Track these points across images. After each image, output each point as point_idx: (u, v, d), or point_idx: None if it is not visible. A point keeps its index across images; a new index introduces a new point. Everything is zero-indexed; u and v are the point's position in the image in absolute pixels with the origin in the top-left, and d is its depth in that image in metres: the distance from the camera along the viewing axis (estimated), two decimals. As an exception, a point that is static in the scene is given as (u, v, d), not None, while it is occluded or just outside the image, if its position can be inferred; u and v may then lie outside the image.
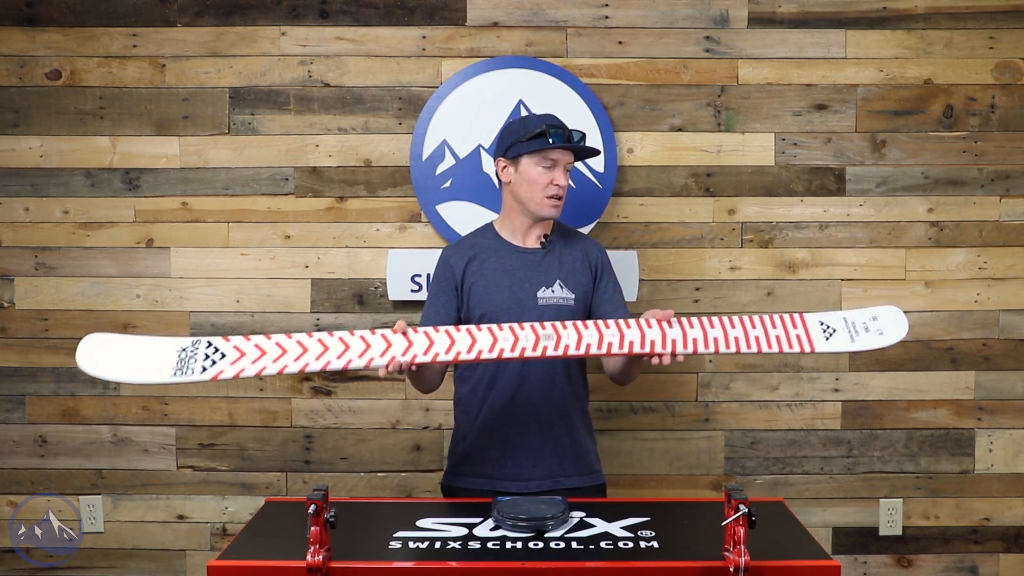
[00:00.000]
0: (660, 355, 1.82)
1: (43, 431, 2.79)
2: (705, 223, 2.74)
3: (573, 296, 2.12)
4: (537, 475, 2.10)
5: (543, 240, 2.16)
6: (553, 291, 2.11)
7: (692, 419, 2.78)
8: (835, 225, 2.75)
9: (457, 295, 2.14)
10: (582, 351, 1.81)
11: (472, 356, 1.80)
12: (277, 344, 1.76)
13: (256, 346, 1.75)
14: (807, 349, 1.84)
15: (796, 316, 1.87)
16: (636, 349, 1.81)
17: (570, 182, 2.20)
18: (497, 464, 2.12)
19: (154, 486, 2.79)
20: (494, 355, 1.80)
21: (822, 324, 1.86)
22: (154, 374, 1.70)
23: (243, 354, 1.73)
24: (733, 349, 1.82)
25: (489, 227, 2.22)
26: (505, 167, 2.13)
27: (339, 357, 1.75)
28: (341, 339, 1.77)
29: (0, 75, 2.72)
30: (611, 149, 2.68)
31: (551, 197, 2.08)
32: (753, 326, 1.85)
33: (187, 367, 1.70)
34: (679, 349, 1.81)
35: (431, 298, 2.16)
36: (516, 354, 1.80)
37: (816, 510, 2.78)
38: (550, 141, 2.05)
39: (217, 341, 1.74)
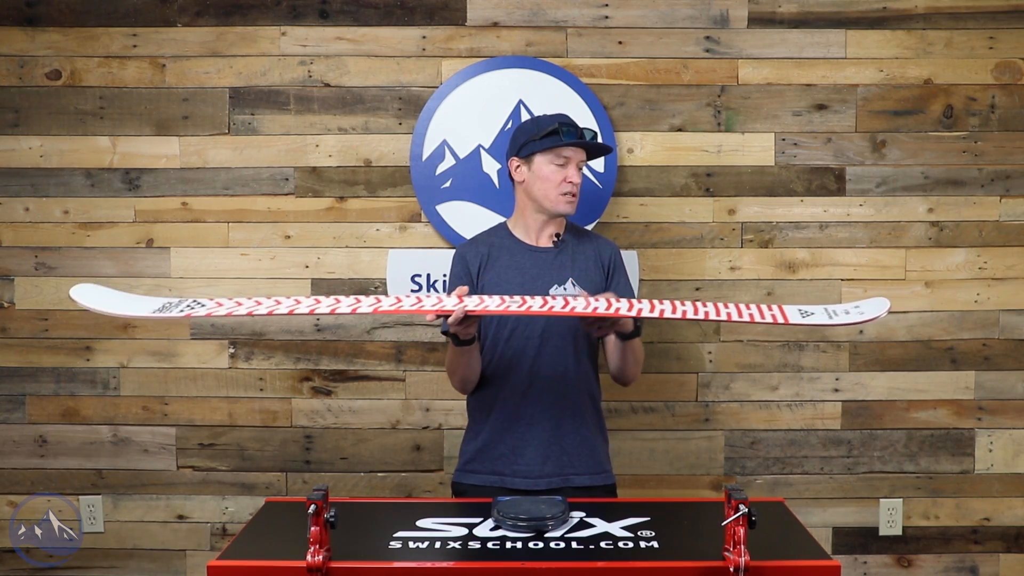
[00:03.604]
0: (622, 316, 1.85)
1: (43, 431, 2.79)
2: (705, 223, 2.74)
3: (585, 294, 2.13)
4: (547, 472, 2.11)
5: (555, 239, 2.19)
6: (565, 289, 2.14)
7: (692, 419, 2.78)
8: (835, 225, 2.75)
9: (475, 289, 2.16)
10: (566, 311, 1.84)
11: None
12: (256, 301, 1.82)
13: (236, 303, 1.82)
14: (780, 321, 1.79)
15: (775, 305, 1.84)
16: (601, 311, 1.83)
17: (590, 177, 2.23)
18: (508, 461, 2.13)
19: (154, 486, 2.79)
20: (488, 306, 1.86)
21: (800, 311, 1.83)
22: (136, 310, 1.81)
23: (220, 305, 1.82)
24: (701, 316, 1.81)
25: (502, 226, 2.25)
26: (518, 167, 2.17)
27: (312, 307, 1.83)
28: (316, 300, 1.84)
29: (0, 75, 2.72)
30: (611, 149, 2.69)
31: (565, 194, 2.12)
32: (726, 306, 1.84)
33: (167, 309, 1.80)
34: (645, 313, 1.82)
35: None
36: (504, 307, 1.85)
37: (816, 510, 2.78)
38: (562, 138, 2.09)
39: (201, 299, 1.84)
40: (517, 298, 1.87)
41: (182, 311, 1.77)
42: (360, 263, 2.74)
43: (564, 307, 1.84)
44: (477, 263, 2.17)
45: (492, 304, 1.85)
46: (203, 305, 1.80)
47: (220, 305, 1.80)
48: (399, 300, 1.83)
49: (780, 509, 1.90)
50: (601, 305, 1.84)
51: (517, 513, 1.74)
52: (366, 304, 1.81)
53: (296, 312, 1.78)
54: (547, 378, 2.12)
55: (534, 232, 2.19)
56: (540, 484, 2.09)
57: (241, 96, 2.72)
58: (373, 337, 2.76)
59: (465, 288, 1.87)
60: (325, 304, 1.81)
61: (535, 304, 1.84)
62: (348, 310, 1.80)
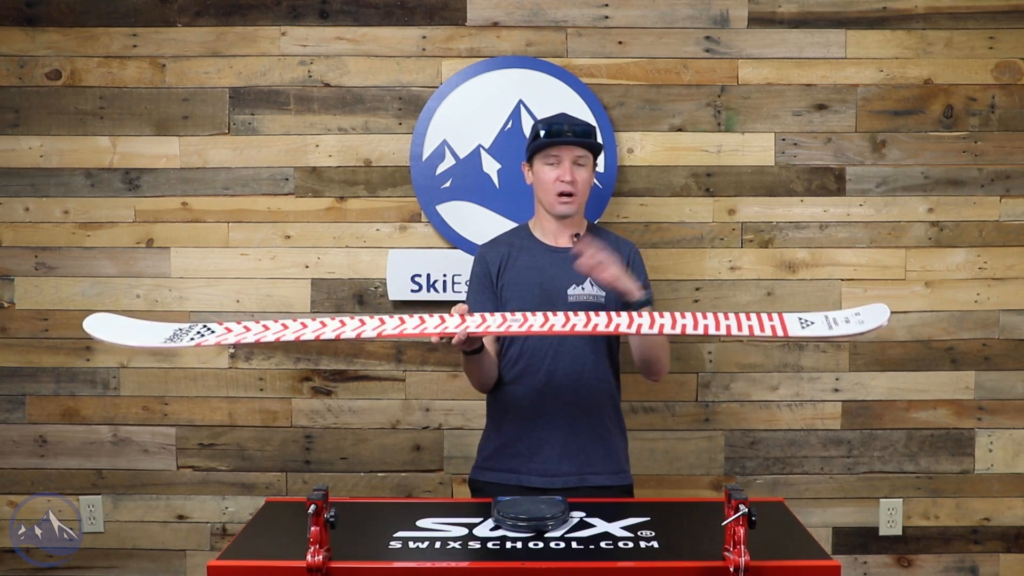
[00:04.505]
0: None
1: (43, 431, 2.78)
2: (705, 223, 2.74)
3: (604, 294, 2.14)
4: (564, 471, 2.12)
5: (575, 239, 2.20)
6: (583, 288, 2.14)
7: (692, 419, 2.78)
8: (835, 225, 2.75)
9: (494, 289, 2.18)
10: (566, 329, 1.84)
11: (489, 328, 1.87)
12: (263, 326, 1.86)
13: (244, 327, 1.86)
14: (780, 334, 1.79)
15: (775, 315, 1.84)
16: (601, 328, 1.83)
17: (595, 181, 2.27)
18: (525, 459, 2.14)
19: (154, 486, 2.79)
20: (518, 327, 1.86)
21: (800, 319, 1.83)
22: (147, 340, 1.85)
23: (229, 331, 1.86)
24: (700, 331, 1.81)
25: (524, 227, 2.29)
26: (528, 172, 2.22)
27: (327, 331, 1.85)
28: (322, 323, 1.87)
29: (0, 75, 2.72)
30: (611, 149, 2.68)
31: (560, 194, 2.14)
32: (727, 318, 1.84)
33: (178, 338, 1.84)
34: (644, 330, 1.82)
35: (470, 295, 2.22)
36: (545, 328, 1.85)
37: (816, 510, 2.78)
38: (542, 138, 2.13)
39: (212, 325, 1.87)
40: (519, 315, 1.88)
41: (192, 339, 1.81)
42: (360, 263, 2.74)
43: (565, 325, 1.84)
44: (497, 263, 2.20)
45: (494, 324, 1.86)
46: (212, 332, 1.83)
47: (229, 331, 1.84)
48: (402, 322, 1.85)
49: (780, 509, 1.90)
50: (602, 321, 1.85)
51: (517, 513, 1.75)
52: (370, 328, 1.84)
53: (303, 338, 1.82)
54: (565, 377, 2.13)
55: (552, 233, 2.21)
56: (557, 483, 2.10)
57: (241, 96, 2.72)
58: (373, 337, 2.76)
59: (464, 307, 1.89)
60: (330, 330, 1.83)
61: (536, 322, 1.85)
62: (353, 335, 1.82)
